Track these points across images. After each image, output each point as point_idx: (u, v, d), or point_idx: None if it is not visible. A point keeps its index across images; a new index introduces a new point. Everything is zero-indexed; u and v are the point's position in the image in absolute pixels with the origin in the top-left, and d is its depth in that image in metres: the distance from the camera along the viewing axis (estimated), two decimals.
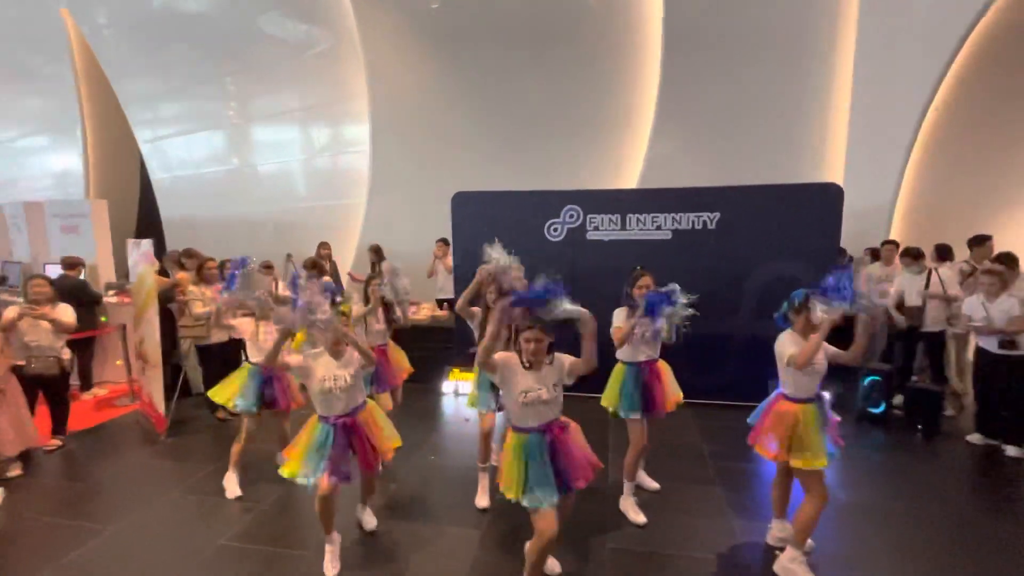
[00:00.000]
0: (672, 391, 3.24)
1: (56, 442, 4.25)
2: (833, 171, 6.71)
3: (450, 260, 6.07)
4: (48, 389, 4.20)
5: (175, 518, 3.29)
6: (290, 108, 8.35)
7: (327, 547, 2.76)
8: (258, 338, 3.50)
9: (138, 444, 4.39)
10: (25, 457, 3.92)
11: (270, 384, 3.49)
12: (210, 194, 8.97)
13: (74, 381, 5.31)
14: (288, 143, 8.58)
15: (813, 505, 2.56)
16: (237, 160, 8.88)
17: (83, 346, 5.27)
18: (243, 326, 3.54)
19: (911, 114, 6.04)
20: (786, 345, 2.58)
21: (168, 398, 4.55)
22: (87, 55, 9.13)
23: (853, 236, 5.49)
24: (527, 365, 2.30)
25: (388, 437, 2.85)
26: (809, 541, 2.76)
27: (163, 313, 4.66)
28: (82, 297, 5.05)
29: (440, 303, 6.55)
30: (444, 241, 6.46)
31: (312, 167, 8.59)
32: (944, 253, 5.18)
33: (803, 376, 2.56)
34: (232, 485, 3.53)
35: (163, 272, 5.48)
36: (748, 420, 2.87)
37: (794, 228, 4.75)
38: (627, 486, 3.26)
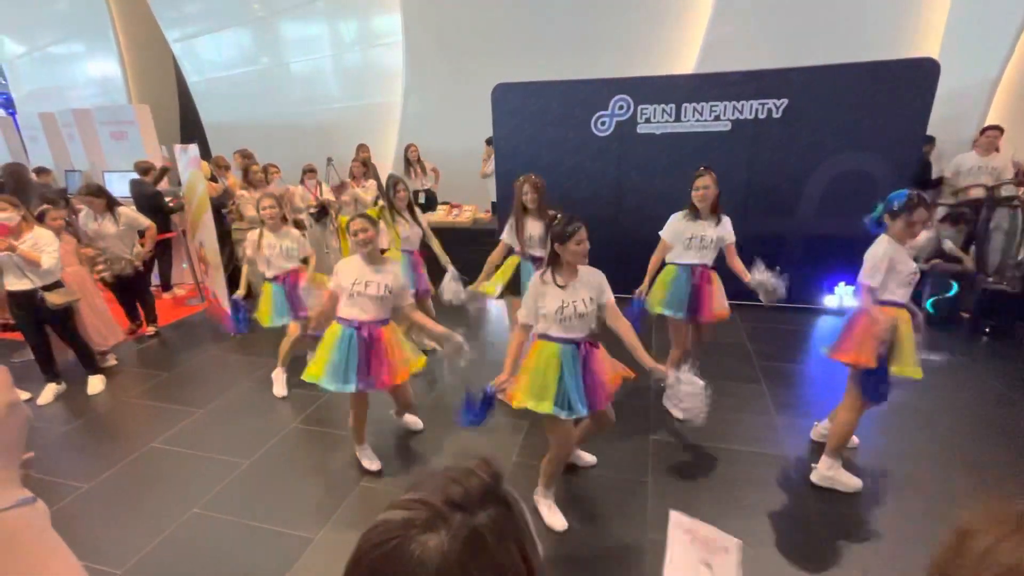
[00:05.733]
0: (719, 302, 3.11)
1: (151, 329, 4.80)
2: (924, 47, 5.80)
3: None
4: (128, 288, 4.60)
5: (253, 404, 3.65)
6: None
7: (358, 452, 2.88)
8: (262, 251, 3.52)
9: (210, 340, 4.79)
10: (116, 351, 4.36)
11: (292, 294, 3.55)
12: (245, 96, 8.81)
13: (157, 282, 5.82)
14: (316, 38, 8.13)
15: (853, 413, 2.52)
16: (267, 59, 8.57)
17: (161, 249, 5.62)
18: (247, 240, 3.55)
19: None
20: (885, 254, 2.36)
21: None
22: None
23: (940, 122, 4.85)
24: (562, 285, 2.18)
25: (407, 359, 2.69)
26: (854, 438, 2.77)
27: (217, 217, 4.82)
28: (155, 206, 5.32)
29: None
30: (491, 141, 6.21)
31: (343, 63, 8.19)
32: None
33: (898, 287, 2.41)
34: (279, 384, 3.70)
35: (211, 178, 5.58)
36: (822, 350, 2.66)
37: (874, 115, 4.23)
38: None
